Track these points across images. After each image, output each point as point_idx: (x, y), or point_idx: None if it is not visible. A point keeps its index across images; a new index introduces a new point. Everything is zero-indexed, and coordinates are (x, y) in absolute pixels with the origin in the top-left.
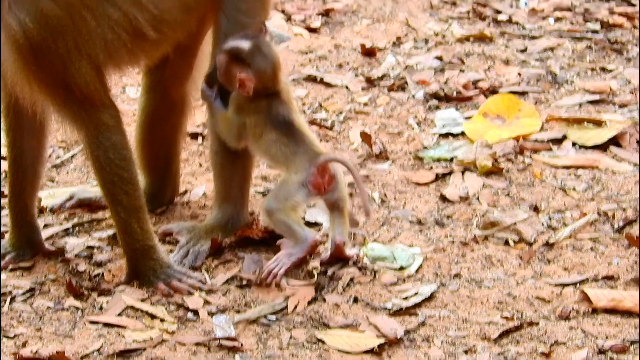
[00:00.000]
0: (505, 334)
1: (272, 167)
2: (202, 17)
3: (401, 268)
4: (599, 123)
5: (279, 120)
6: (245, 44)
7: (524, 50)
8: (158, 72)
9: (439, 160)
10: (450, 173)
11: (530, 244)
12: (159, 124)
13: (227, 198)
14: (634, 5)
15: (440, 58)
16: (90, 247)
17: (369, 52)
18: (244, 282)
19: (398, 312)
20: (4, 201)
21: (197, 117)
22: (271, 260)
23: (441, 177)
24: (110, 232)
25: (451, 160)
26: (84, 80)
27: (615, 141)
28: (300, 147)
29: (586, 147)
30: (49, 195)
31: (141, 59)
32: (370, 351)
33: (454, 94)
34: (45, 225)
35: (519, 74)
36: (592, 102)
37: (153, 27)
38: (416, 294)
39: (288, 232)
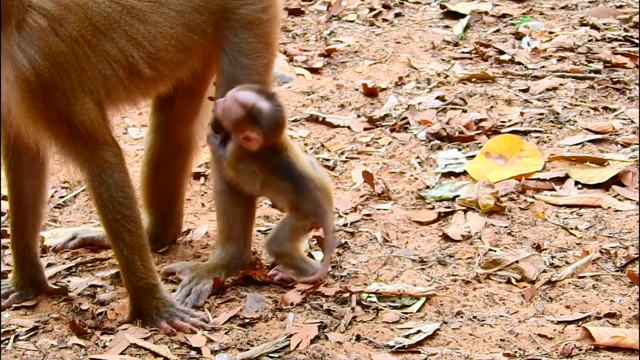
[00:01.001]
0: None
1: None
2: (206, 58)
3: (404, 306)
4: (601, 162)
5: (282, 168)
6: (264, 105)
7: (526, 90)
8: (164, 112)
9: (441, 199)
10: (452, 212)
11: (533, 282)
12: (165, 164)
13: (230, 237)
14: (636, 45)
15: (442, 98)
16: (93, 286)
17: (371, 93)
18: (247, 321)
19: (400, 350)
20: (7, 241)
21: (200, 157)
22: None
23: (443, 217)
24: (113, 271)
25: (453, 199)
26: (87, 117)
27: (617, 180)
28: (305, 193)
29: (589, 186)
30: (51, 235)
31: (138, 97)
32: None
33: (456, 134)
34: (49, 265)
35: (522, 114)
36: (595, 142)
37: (148, 64)
38: (419, 332)
39: (296, 269)
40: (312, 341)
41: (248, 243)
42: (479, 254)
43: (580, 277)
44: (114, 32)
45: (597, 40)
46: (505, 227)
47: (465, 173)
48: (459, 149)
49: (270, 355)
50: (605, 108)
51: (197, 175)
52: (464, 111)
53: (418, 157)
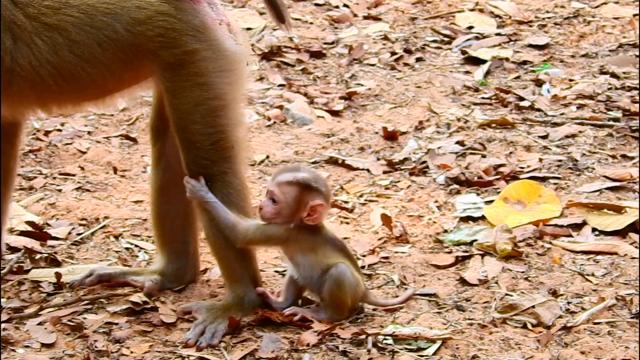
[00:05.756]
0: None
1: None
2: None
3: (420, 349)
4: (618, 210)
5: (339, 246)
6: (305, 174)
7: (545, 137)
8: (159, 144)
9: (459, 243)
10: (470, 256)
11: (549, 328)
12: (170, 200)
13: (234, 278)
14: None
15: (462, 143)
16: (109, 324)
17: (391, 136)
18: None
19: None
20: None
21: None
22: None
23: (461, 261)
24: (125, 306)
25: (471, 244)
26: None
27: (634, 228)
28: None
29: (606, 233)
30: (68, 272)
31: (24, 106)
32: None
33: (475, 178)
34: (65, 302)
35: (540, 160)
36: (612, 189)
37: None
38: None
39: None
40: None
41: (255, 280)
42: (495, 299)
43: (595, 323)
44: None
45: (616, 88)
46: (522, 272)
47: (483, 218)
48: (478, 194)
49: None
50: (624, 156)
51: None
52: (483, 156)
53: (437, 201)
